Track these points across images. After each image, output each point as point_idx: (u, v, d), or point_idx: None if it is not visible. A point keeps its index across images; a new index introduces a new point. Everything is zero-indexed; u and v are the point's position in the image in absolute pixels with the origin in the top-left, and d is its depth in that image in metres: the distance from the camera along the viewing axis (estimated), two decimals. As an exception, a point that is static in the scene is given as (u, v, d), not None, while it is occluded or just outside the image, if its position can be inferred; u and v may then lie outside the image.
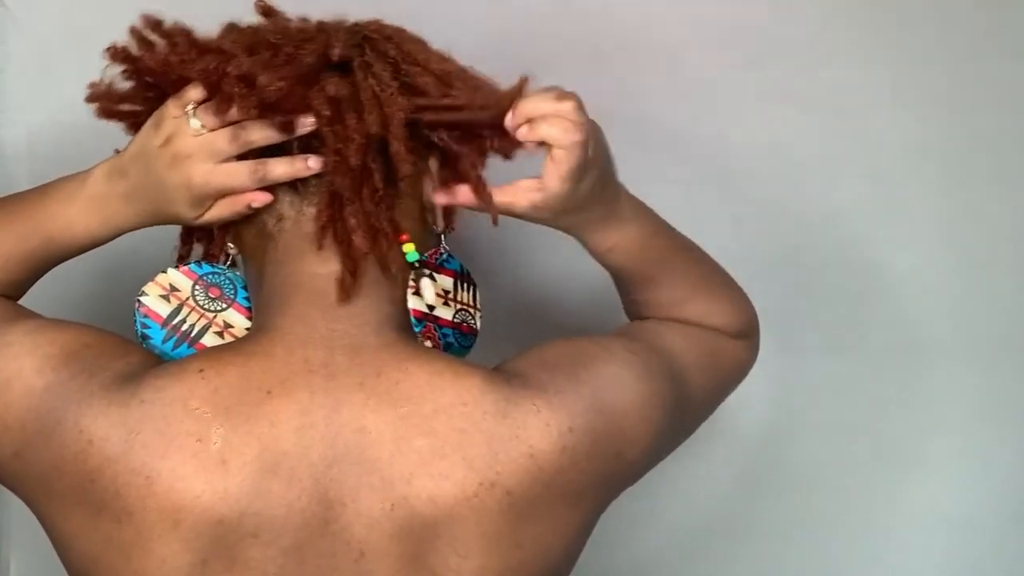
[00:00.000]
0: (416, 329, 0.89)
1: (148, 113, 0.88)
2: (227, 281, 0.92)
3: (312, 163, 0.84)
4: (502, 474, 0.80)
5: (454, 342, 0.93)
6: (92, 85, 0.90)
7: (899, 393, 1.43)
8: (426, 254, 0.91)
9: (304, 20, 0.90)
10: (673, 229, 0.99)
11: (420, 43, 0.89)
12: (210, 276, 0.92)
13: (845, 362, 1.42)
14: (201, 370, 0.81)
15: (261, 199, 0.86)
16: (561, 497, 0.83)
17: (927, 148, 1.38)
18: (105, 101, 0.90)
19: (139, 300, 0.91)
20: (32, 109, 1.28)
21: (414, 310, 0.89)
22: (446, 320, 0.92)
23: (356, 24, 0.89)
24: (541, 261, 1.36)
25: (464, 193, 0.86)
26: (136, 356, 0.84)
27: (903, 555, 1.46)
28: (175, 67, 0.85)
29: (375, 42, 0.87)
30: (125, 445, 0.78)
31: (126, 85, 0.90)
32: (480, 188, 0.86)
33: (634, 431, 0.86)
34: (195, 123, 0.84)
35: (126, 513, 0.78)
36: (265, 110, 0.83)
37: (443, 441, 0.80)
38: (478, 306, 0.97)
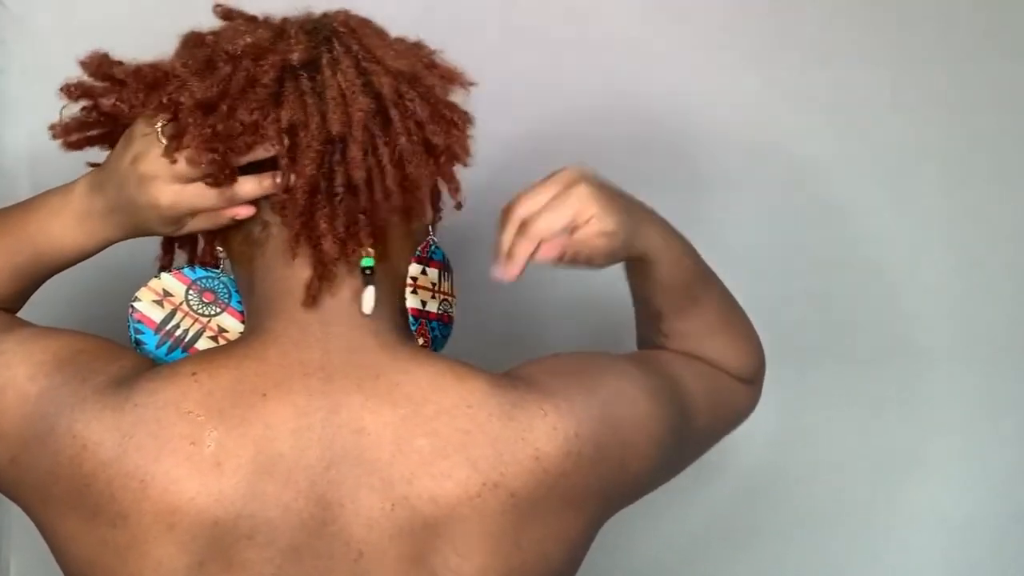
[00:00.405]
0: (413, 328, 0.89)
1: (123, 127, 0.88)
2: (221, 285, 0.92)
3: (280, 179, 0.83)
4: (506, 475, 0.80)
5: (439, 335, 0.93)
6: (52, 126, 0.90)
7: (899, 393, 1.43)
8: (418, 249, 0.91)
9: (268, 20, 0.88)
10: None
11: (380, 36, 0.88)
12: (204, 280, 0.92)
13: (845, 362, 1.42)
14: (194, 373, 0.81)
15: (244, 212, 0.85)
16: (564, 502, 0.83)
17: (927, 148, 1.38)
18: (73, 134, 0.90)
19: (132, 306, 0.90)
20: (32, 109, 1.28)
21: (412, 308, 0.89)
22: (434, 313, 0.92)
23: (325, 15, 0.88)
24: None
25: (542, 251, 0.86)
26: (129, 360, 0.84)
27: (903, 555, 1.46)
28: (127, 116, 0.86)
29: (342, 36, 0.86)
30: (119, 449, 0.78)
31: (90, 117, 0.90)
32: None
33: (638, 445, 0.87)
34: (164, 142, 0.83)
35: (121, 517, 0.78)
36: (219, 141, 0.82)
37: (445, 442, 0.80)
38: (454, 294, 0.97)
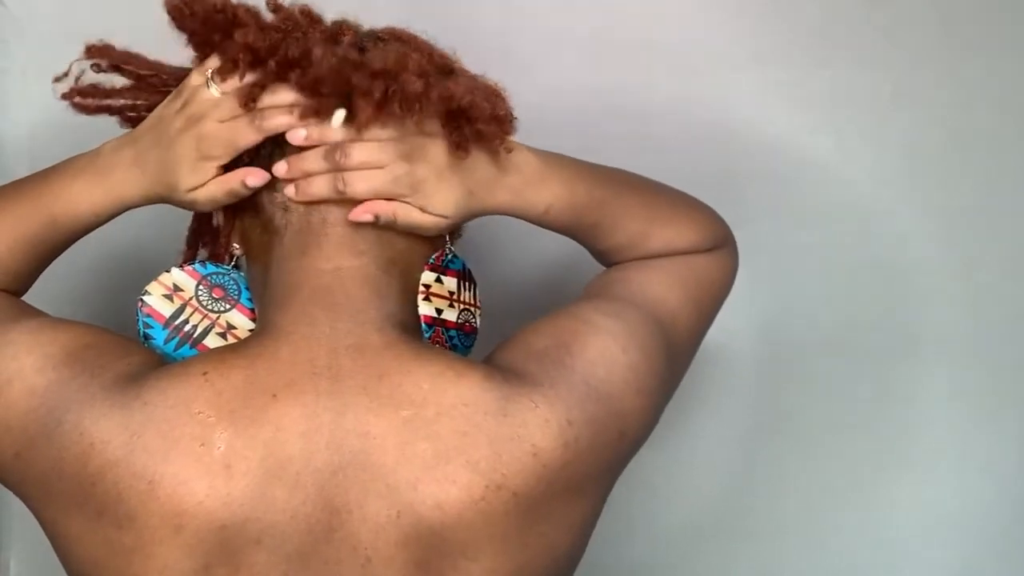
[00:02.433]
0: (426, 335, 0.89)
1: (148, 108, 0.90)
2: (231, 282, 0.92)
3: (312, 131, 0.85)
4: (507, 476, 0.79)
5: (459, 344, 0.93)
6: (68, 93, 0.93)
7: (898, 392, 1.43)
8: (432, 257, 0.91)
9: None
10: (601, 167, 0.98)
11: (427, 46, 0.90)
12: (214, 276, 0.92)
13: (844, 361, 1.42)
14: (205, 373, 0.80)
15: (255, 177, 0.86)
16: (567, 492, 0.82)
17: (927, 148, 1.38)
18: (90, 99, 0.92)
19: (142, 300, 0.90)
20: (32, 109, 1.28)
21: (425, 316, 0.89)
22: (452, 322, 0.92)
23: (371, 29, 0.91)
24: (527, 248, 1.36)
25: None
26: (138, 357, 0.84)
27: (902, 555, 1.46)
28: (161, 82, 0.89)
29: (387, 42, 0.89)
30: (127, 448, 0.77)
31: (117, 81, 0.92)
32: None
33: (632, 407, 0.86)
34: (214, 90, 0.85)
35: (127, 518, 0.77)
36: (306, 85, 0.85)
37: (446, 444, 0.79)
38: (478, 304, 0.97)
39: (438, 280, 0.91)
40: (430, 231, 0.88)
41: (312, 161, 0.86)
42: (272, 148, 0.87)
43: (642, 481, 1.21)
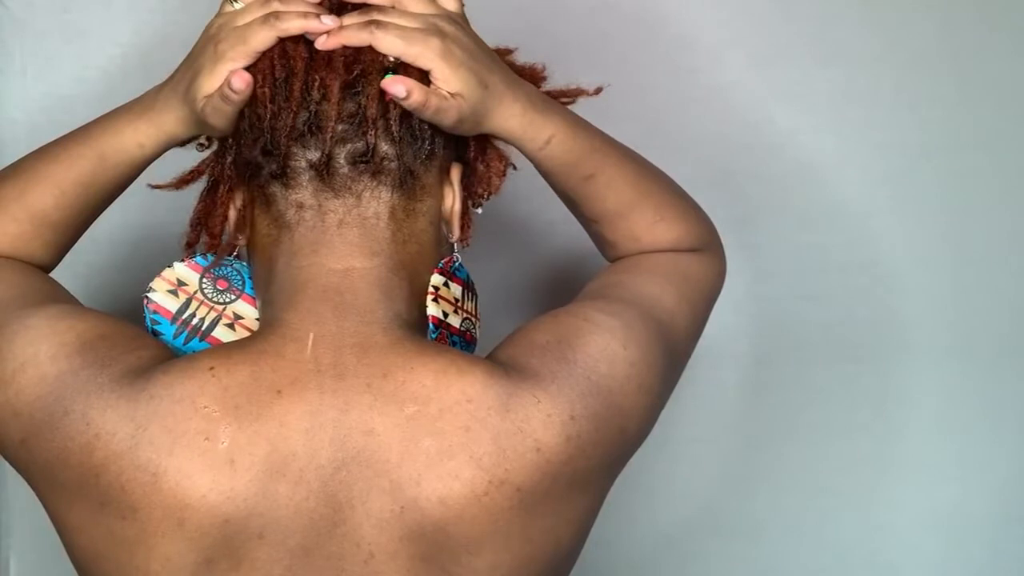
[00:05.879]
0: (432, 336, 0.89)
1: None
2: (234, 272, 0.92)
3: (327, 20, 0.85)
4: (511, 471, 0.79)
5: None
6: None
7: (897, 392, 1.43)
8: (441, 261, 0.91)
9: None
10: (604, 132, 0.99)
11: None
12: (217, 268, 0.92)
13: (844, 362, 1.42)
14: (211, 368, 0.80)
15: (239, 78, 0.84)
16: (569, 486, 0.82)
17: (927, 148, 1.38)
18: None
19: (147, 296, 0.91)
20: (32, 109, 1.28)
21: (433, 317, 0.89)
22: (456, 328, 0.92)
23: None
24: (525, 252, 1.36)
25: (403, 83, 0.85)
26: (148, 350, 0.83)
27: (901, 555, 1.46)
28: None
29: None
30: (132, 440, 0.77)
31: None
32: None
33: (632, 403, 0.85)
34: (237, 5, 0.86)
35: (131, 510, 0.77)
36: None
37: (450, 440, 0.79)
38: (478, 316, 0.97)
39: (446, 285, 0.91)
40: (449, 119, 0.86)
41: (355, 15, 0.86)
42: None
43: (642, 481, 1.21)
